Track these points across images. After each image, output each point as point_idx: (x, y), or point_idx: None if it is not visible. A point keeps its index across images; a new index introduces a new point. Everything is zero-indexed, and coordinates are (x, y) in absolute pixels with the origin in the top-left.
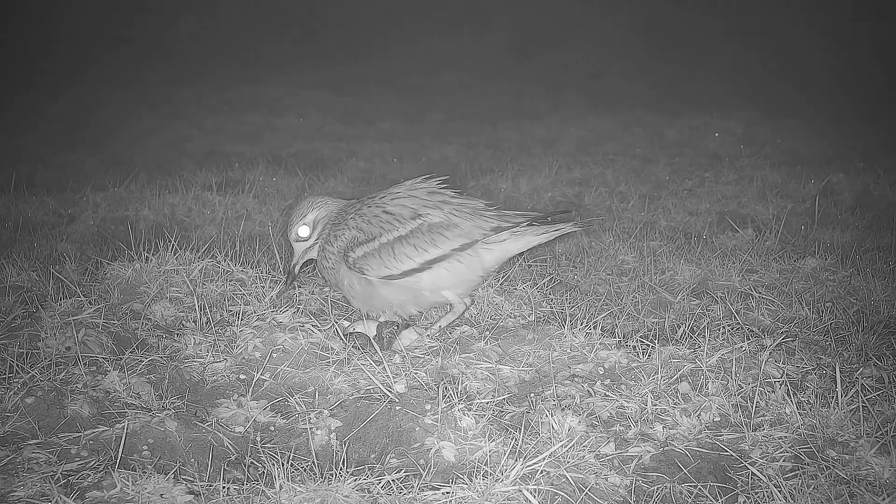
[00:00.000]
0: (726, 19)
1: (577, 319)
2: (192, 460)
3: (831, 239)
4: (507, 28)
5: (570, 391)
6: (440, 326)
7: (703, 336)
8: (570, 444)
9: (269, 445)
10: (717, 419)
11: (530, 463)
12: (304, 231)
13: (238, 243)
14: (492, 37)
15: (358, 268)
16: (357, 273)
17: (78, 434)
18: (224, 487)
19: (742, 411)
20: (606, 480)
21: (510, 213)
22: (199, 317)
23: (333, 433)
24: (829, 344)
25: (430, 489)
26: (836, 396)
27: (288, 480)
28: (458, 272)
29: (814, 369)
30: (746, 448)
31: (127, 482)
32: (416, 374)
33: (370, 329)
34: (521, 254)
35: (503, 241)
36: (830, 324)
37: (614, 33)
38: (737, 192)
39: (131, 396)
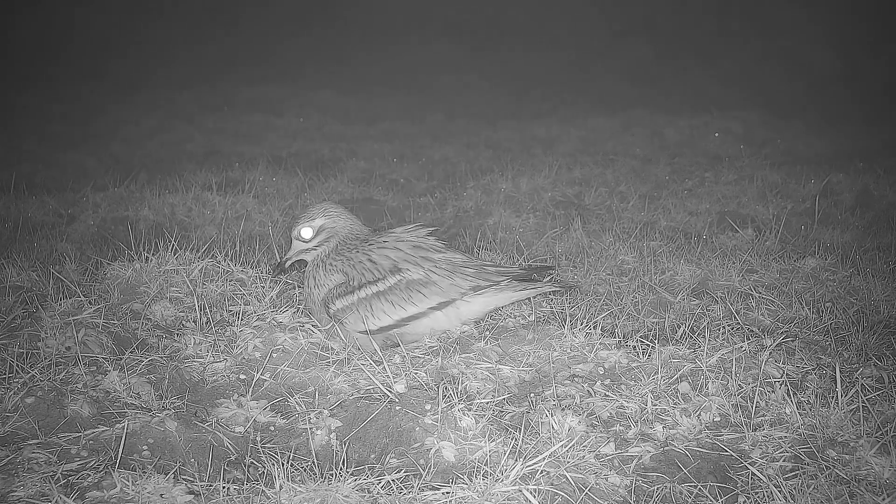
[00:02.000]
0: (727, 19)
1: (577, 319)
2: (192, 460)
3: (831, 239)
4: (508, 28)
5: (570, 391)
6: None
7: (703, 336)
8: (570, 444)
9: (269, 445)
10: (717, 419)
11: (530, 463)
12: (306, 233)
13: (238, 243)
14: (493, 37)
15: (337, 319)
16: (336, 322)
17: (78, 434)
18: (224, 487)
19: (742, 411)
20: (606, 480)
21: (490, 269)
22: (199, 317)
23: (333, 433)
24: (829, 344)
25: (430, 489)
26: (836, 396)
27: (288, 480)
28: (438, 322)
29: (814, 369)
30: (746, 448)
31: (127, 482)
32: (416, 374)
33: None
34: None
35: (482, 296)
36: (830, 324)
37: (615, 33)
38: (737, 192)
39: (131, 396)
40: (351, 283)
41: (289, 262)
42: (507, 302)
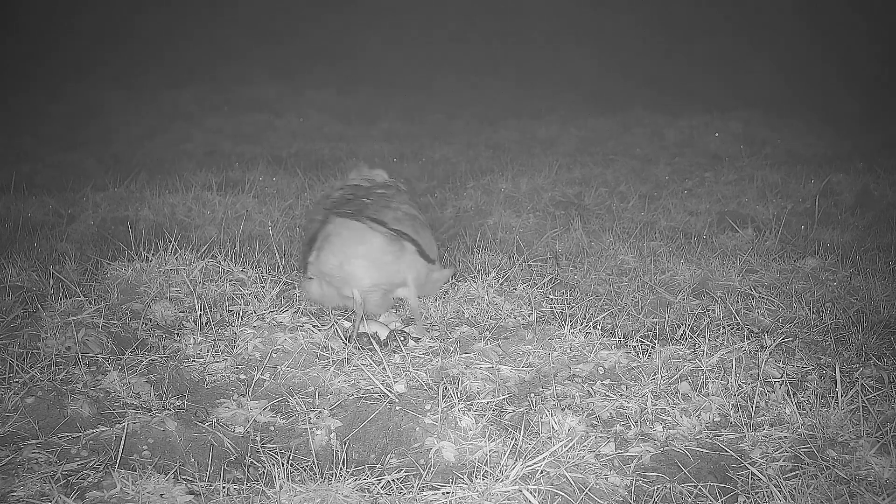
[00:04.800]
0: (726, 19)
1: (577, 319)
2: (192, 460)
3: (831, 239)
4: (508, 28)
5: (570, 391)
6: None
7: (703, 336)
8: (570, 444)
9: (269, 445)
10: (717, 419)
11: (530, 463)
12: None
13: (238, 243)
14: (493, 37)
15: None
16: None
17: (78, 434)
18: (224, 487)
19: (742, 411)
20: (606, 480)
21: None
22: (199, 317)
23: (333, 433)
24: (829, 344)
25: (430, 489)
26: (836, 396)
27: (288, 480)
28: (321, 259)
29: (814, 369)
30: (746, 448)
31: (127, 482)
32: (416, 374)
33: (380, 331)
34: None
35: (328, 224)
36: (830, 324)
37: (615, 33)
38: (737, 192)
39: (131, 396)
40: None
41: None
42: (357, 230)
